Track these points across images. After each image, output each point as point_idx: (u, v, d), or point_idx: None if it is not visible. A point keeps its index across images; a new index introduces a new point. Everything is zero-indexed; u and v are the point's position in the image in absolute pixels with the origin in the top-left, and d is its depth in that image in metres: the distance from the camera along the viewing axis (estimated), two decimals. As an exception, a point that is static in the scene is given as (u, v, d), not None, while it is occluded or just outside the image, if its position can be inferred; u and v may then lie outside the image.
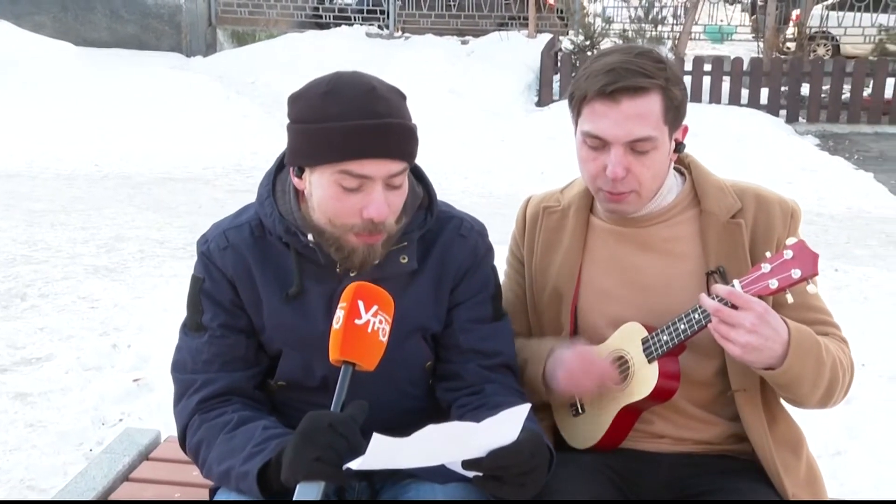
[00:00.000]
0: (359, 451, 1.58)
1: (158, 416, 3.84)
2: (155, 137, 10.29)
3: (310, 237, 1.84)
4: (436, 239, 1.97)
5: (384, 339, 1.71)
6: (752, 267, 1.95)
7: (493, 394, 1.92)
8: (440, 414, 1.97)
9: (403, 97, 1.83)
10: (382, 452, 1.53)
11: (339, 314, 1.69)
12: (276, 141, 11.62)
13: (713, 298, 1.82)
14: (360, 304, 1.69)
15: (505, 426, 1.60)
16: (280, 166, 1.97)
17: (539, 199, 2.26)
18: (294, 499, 1.59)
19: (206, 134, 10.82)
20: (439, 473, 1.83)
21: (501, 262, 2.16)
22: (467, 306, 1.98)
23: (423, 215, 1.94)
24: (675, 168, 2.12)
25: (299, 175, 1.83)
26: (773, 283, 1.80)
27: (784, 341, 1.81)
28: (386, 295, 1.74)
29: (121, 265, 6.21)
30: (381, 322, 1.70)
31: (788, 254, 1.80)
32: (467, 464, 1.63)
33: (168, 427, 3.22)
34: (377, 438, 1.48)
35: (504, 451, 1.61)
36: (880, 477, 3.57)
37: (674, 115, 1.95)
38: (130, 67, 13.68)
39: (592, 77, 1.93)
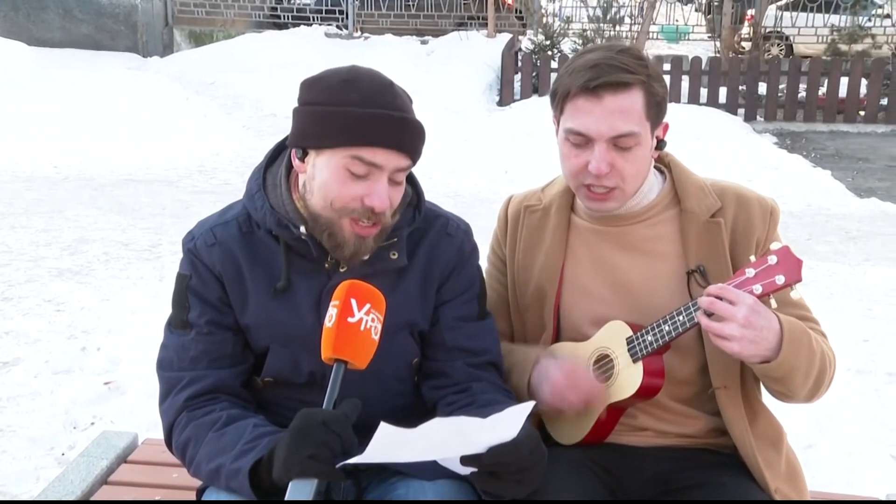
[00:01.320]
0: (352, 448, 1.58)
1: (131, 419, 3.80)
2: (114, 139, 10.16)
3: (302, 229, 1.84)
4: (423, 237, 1.97)
5: (376, 337, 1.71)
6: (731, 266, 1.98)
7: (481, 392, 1.92)
8: (426, 412, 1.96)
9: (412, 101, 1.85)
10: (386, 444, 1.52)
11: (332, 312, 1.68)
12: (237, 141, 11.54)
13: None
14: (353, 302, 1.68)
15: (507, 423, 1.61)
16: (270, 161, 1.96)
17: (521, 198, 2.26)
18: (287, 497, 1.58)
19: (167, 135, 10.70)
20: (427, 470, 1.84)
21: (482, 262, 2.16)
22: (453, 304, 1.99)
23: (411, 213, 1.95)
24: (655, 167, 2.13)
25: (302, 158, 1.82)
26: (758, 289, 1.81)
27: (777, 331, 1.82)
28: (378, 293, 1.74)
29: (86, 267, 6.12)
30: (373, 320, 1.70)
31: (773, 259, 1.81)
32: (466, 459, 1.63)
33: (143, 429, 3.20)
34: (384, 427, 1.48)
35: (504, 448, 1.62)
36: (850, 468, 3.63)
37: (655, 112, 1.97)
38: (86, 68, 13.51)
39: (575, 74, 1.94)
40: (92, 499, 2.43)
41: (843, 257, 6.98)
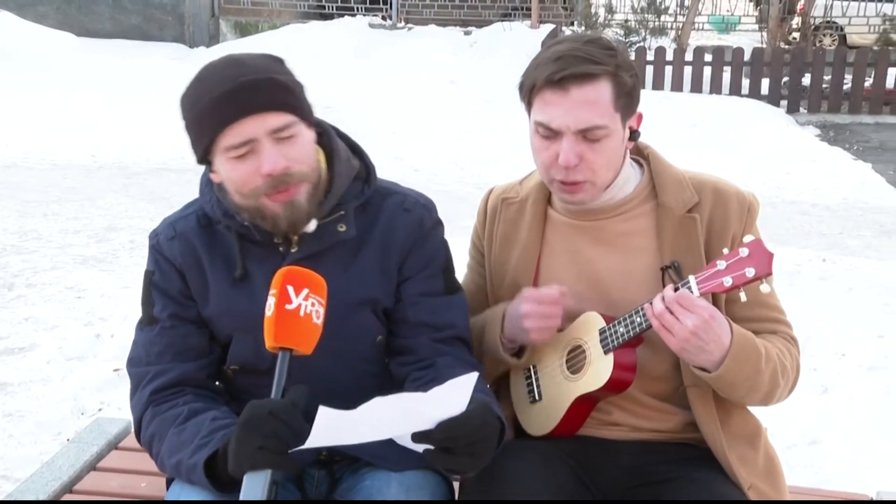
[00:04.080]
0: (303, 435, 1.59)
1: (137, 406, 3.87)
2: (153, 128, 10.26)
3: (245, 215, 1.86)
4: (378, 213, 1.98)
5: (318, 321, 1.71)
6: (706, 261, 1.96)
7: (446, 366, 1.92)
8: (396, 389, 1.97)
9: (277, 60, 1.85)
10: (330, 427, 1.54)
11: (270, 301, 1.69)
12: (273, 132, 11.65)
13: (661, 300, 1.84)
14: (290, 288, 1.69)
15: (453, 396, 1.61)
16: None
17: (500, 191, 2.26)
18: (242, 489, 1.60)
19: (205, 125, 10.78)
20: (394, 459, 1.86)
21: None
22: (416, 280, 1.99)
23: (359, 186, 1.95)
24: (633, 159, 2.11)
25: (211, 169, 1.86)
26: (728, 281, 1.80)
27: (724, 349, 1.83)
28: (316, 277, 1.73)
29: (111, 255, 6.22)
30: (313, 305, 1.70)
31: (744, 252, 1.80)
32: (417, 436, 1.63)
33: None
34: (323, 411, 1.49)
35: (453, 422, 1.62)
36: (854, 465, 3.58)
37: (625, 102, 1.94)
38: (132, 58, 13.70)
39: (541, 66, 1.93)
40: (77, 488, 2.47)
41: (874, 251, 6.84)
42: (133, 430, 1.98)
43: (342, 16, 17.22)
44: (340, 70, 13.69)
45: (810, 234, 7.31)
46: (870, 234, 7.47)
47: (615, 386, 1.97)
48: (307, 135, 1.84)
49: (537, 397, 2.09)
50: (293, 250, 1.89)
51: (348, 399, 1.58)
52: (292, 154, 1.79)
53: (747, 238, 1.84)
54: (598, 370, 1.97)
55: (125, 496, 2.43)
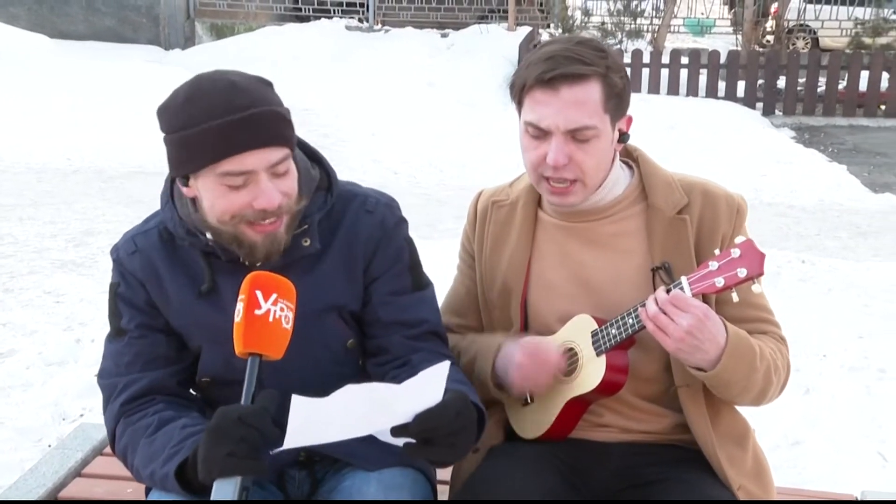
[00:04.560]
0: (273, 440, 1.59)
1: (120, 412, 3.83)
2: (129, 131, 10.17)
3: (209, 235, 1.84)
4: (341, 218, 1.96)
5: (288, 325, 1.71)
6: (696, 263, 1.97)
7: (421, 362, 1.91)
8: None
9: (268, 84, 1.83)
10: (306, 419, 1.53)
11: (239, 307, 1.69)
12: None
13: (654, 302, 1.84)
14: (259, 294, 1.68)
15: (427, 387, 1.62)
16: None
17: (489, 193, 2.26)
18: (212, 496, 1.59)
19: (182, 128, 10.70)
20: (373, 459, 1.87)
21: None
22: (384, 280, 1.98)
23: (322, 197, 1.94)
24: (622, 161, 2.12)
25: (186, 183, 1.82)
26: (720, 282, 1.81)
27: (720, 346, 1.84)
28: (285, 281, 1.73)
29: (89, 259, 6.16)
30: (282, 309, 1.70)
31: (736, 252, 1.81)
32: (396, 430, 1.64)
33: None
34: (297, 400, 1.49)
35: (430, 413, 1.63)
36: (837, 465, 3.61)
37: (615, 104, 1.95)
38: (107, 60, 13.54)
39: (532, 66, 1.94)
40: (61, 495, 2.44)
41: (852, 252, 6.91)
42: (109, 443, 1.97)
43: (318, 18, 17.18)
44: (318, 72, 13.66)
45: (788, 236, 7.37)
46: (846, 236, 7.54)
47: (607, 388, 1.97)
48: (293, 168, 1.84)
49: (529, 400, 2.09)
50: (258, 264, 1.87)
51: None
52: (285, 188, 1.79)
53: (738, 239, 1.85)
54: (591, 372, 1.97)
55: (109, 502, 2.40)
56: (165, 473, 1.74)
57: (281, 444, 1.59)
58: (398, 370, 1.94)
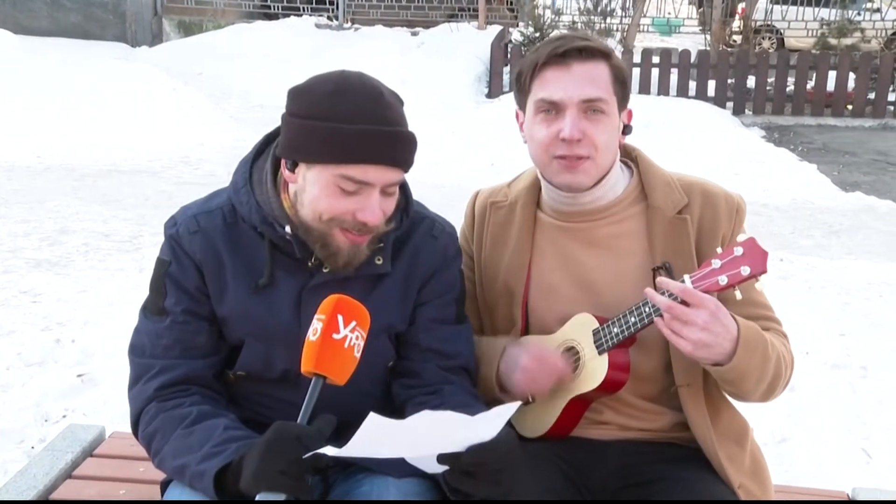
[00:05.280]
0: (323, 465, 1.57)
1: (104, 412, 3.78)
2: (99, 129, 10.06)
3: (287, 229, 1.81)
4: (407, 240, 1.96)
5: (358, 354, 1.70)
6: (697, 262, 1.98)
7: (452, 394, 1.91)
8: (392, 411, 1.93)
9: (403, 103, 1.82)
10: (371, 436, 1.51)
11: (317, 326, 1.67)
12: (224, 132, 11.44)
13: (663, 294, 1.83)
14: (340, 318, 1.67)
15: (490, 423, 1.60)
16: (257, 154, 1.93)
17: (487, 194, 2.25)
18: None
19: (153, 125, 10.60)
20: (393, 467, 1.83)
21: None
22: (432, 306, 1.97)
23: (399, 216, 1.92)
24: (621, 161, 2.12)
25: (292, 169, 1.79)
26: (723, 280, 1.80)
27: (733, 338, 1.82)
28: (364, 311, 1.72)
29: (65, 258, 6.06)
30: (357, 338, 1.69)
31: (738, 250, 1.81)
32: (443, 458, 1.62)
33: (113, 423, 3.17)
34: (372, 418, 1.46)
35: (483, 448, 1.61)
36: (822, 462, 3.66)
37: (621, 89, 1.99)
38: (73, 57, 13.36)
39: (541, 49, 1.98)
40: (53, 497, 2.40)
41: (825, 251, 6.99)
42: (130, 421, 1.91)
43: (287, 16, 17.11)
44: (290, 70, 13.48)
45: (763, 235, 7.41)
46: (819, 234, 7.63)
47: (610, 386, 1.97)
48: (397, 190, 1.84)
49: (531, 399, 2.08)
50: (325, 269, 1.85)
51: (344, 416, 1.59)
52: (388, 207, 1.80)
53: (741, 237, 1.85)
54: (593, 371, 1.97)
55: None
56: (202, 471, 1.70)
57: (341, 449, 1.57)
58: (427, 396, 1.92)
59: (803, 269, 5.91)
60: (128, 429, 1.95)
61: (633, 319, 1.91)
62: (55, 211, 7.26)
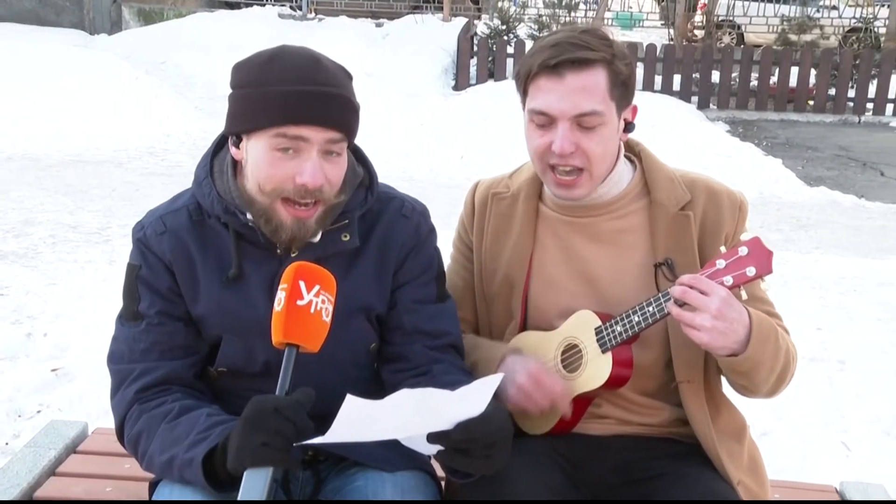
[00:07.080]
0: (307, 434, 1.56)
1: (80, 407, 3.71)
2: (61, 118, 9.88)
3: (248, 216, 1.80)
4: (377, 219, 1.94)
5: (327, 318, 1.67)
6: (699, 259, 1.97)
7: (442, 373, 1.90)
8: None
9: (349, 76, 1.80)
10: (353, 418, 1.50)
11: (281, 296, 1.64)
12: (189, 123, 11.29)
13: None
14: (302, 284, 1.64)
15: (475, 397, 1.59)
16: (217, 148, 1.92)
17: (488, 185, 2.22)
18: (242, 485, 1.55)
19: (116, 115, 10.45)
20: (387, 460, 1.83)
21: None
22: (411, 287, 1.96)
23: (363, 194, 1.91)
24: (625, 156, 2.10)
25: (236, 144, 1.79)
26: (728, 280, 1.79)
27: (746, 325, 1.81)
28: (327, 274, 1.69)
29: (31, 251, 5.95)
30: (323, 302, 1.66)
31: (743, 250, 1.79)
32: (433, 437, 1.60)
33: (93, 418, 3.11)
34: (351, 400, 1.46)
35: (472, 423, 1.60)
36: (804, 455, 3.68)
37: (621, 92, 1.94)
38: (30, 43, 13.08)
39: (537, 54, 1.92)
40: (37, 495, 2.34)
41: (795, 245, 7.07)
42: (115, 429, 1.89)
43: (250, 5, 16.95)
44: (252, 61, 13.39)
45: (731, 228, 7.49)
46: (788, 228, 7.71)
47: (614, 384, 1.96)
48: (345, 157, 1.82)
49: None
50: (293, 255, 1.83)
51: (334, 403, 1.53)
52: (333, 173, 1.77)
53: (745, 236, 1.83)
54: (597, 369, 1.95)
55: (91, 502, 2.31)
56: (190, 459, 1.68)
57: (312, 437, 1.55)
58: (417, 379, 1.91)
59: (778, 263, 5.92)
60: (111, 424, 1.93)
61: (636, 319, 1.90)
62: (18, 201, 7.13)
